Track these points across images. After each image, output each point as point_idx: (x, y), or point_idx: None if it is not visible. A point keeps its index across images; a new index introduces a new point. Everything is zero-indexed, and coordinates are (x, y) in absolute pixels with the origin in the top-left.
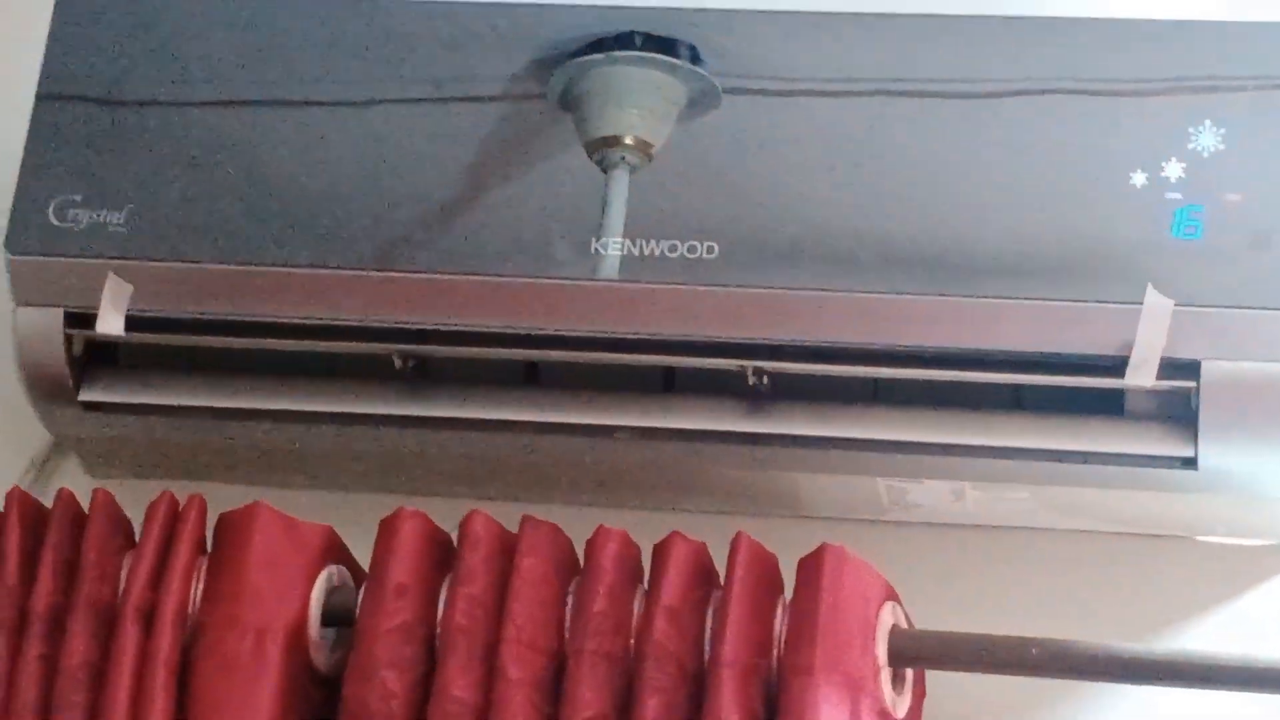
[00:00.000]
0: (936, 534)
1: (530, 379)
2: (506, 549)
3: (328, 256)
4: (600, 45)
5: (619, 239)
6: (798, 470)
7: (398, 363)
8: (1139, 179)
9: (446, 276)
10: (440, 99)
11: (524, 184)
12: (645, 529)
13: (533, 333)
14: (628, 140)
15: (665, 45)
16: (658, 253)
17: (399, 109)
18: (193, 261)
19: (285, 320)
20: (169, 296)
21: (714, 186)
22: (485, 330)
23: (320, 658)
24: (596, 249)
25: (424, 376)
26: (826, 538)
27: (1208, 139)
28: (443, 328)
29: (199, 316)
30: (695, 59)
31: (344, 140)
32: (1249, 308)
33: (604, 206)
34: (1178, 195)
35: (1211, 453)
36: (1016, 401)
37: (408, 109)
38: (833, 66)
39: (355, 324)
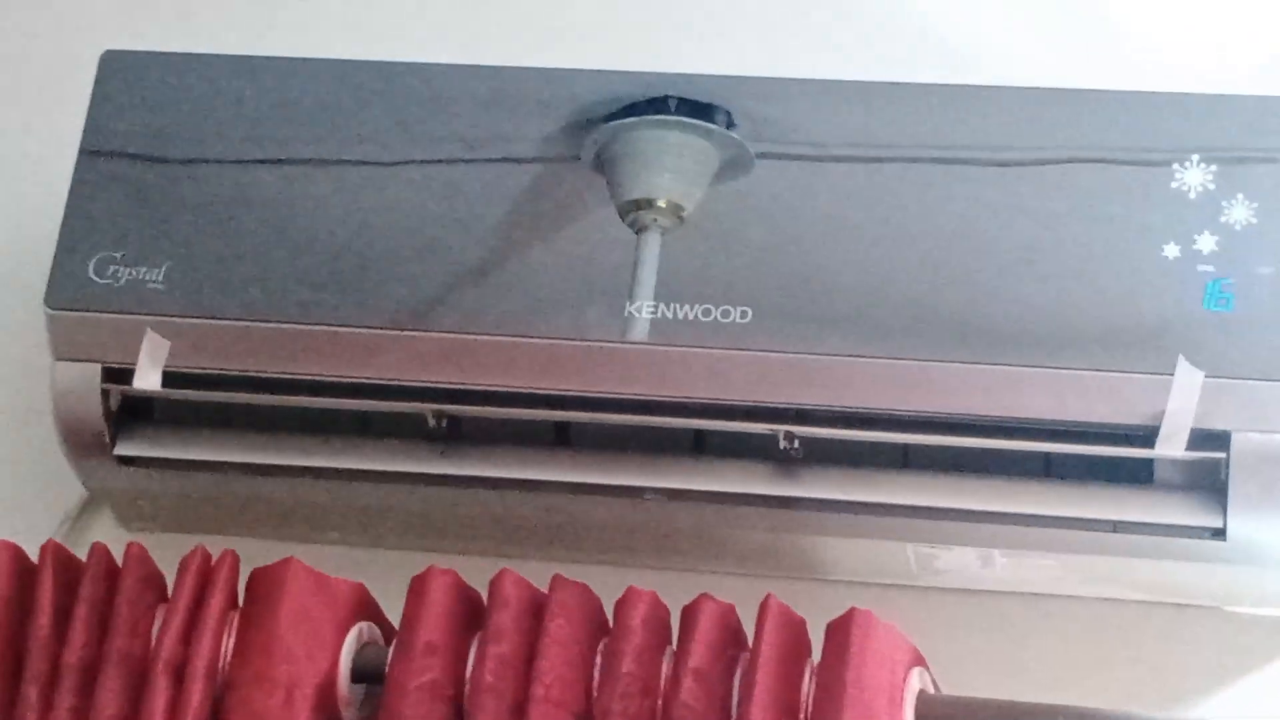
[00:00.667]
0: (965, 600)
1: (561, 439)
2: (536, 608)
3: (363, 316)
4: (634, 109)
5: (651, 302)
6: (827, 534)
7: (431, 421)
8: (1171, 251)
9: (479, 337)
10: (474, 160)
11: (557, 246)
12: (674, 590)
13: (564, 394)
14: (660, 203)
15: (699, 109)
16: (690, 316)
17: (433, 170)
18: (229, 319)
19: (319, 378)
20: (205, 353)
21: (746, 250)
22: (517, 391)
23: (350, 714)
24: (630, 312)
25: (457, 435)
26: (855, 602)
27: (1240, 212)
28: (475, 387)
29: (234, 373)
30: (729, 123)
31: (379, 201)
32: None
33: (635, 268)
34: (1210, 268)
35: (1241, 524)
36: (1046, 469)
37: (442, 170)
38: (866, 134)
39: (389, 383)
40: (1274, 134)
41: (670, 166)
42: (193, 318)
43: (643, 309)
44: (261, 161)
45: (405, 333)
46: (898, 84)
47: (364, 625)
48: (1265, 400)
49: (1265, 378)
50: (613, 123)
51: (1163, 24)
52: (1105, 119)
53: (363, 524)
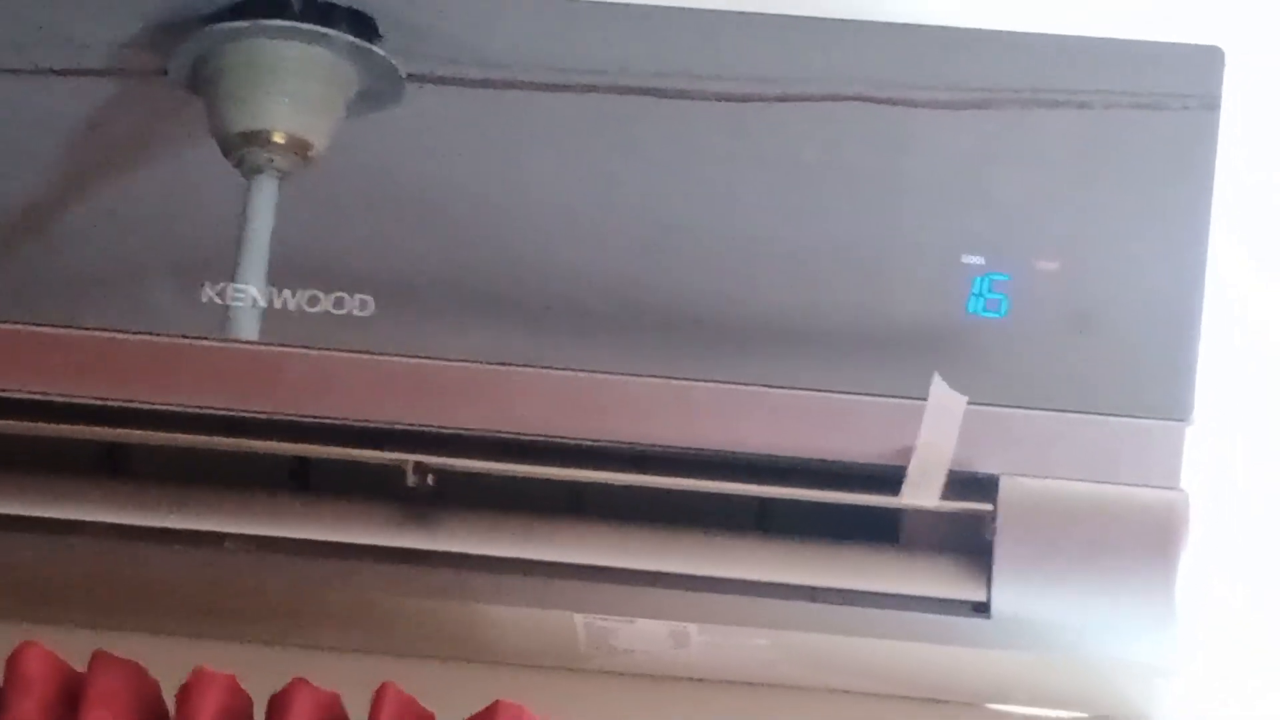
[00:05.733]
0: (651, 688)
1: (114, 465)
2: (70, 695)
3: None
4: (244, 10)
5: (253, 284)
6: (469, 600)
7: None
8: (928, 235)
9: None
10: (13, 71)
11: (128, 195)
12: (262, 670)
13: (117, 404)
14: (277, 137)
15: (331, 12)
16: (292, 305)
17: None
18: None
19: None
20: None
21: (381, 213)
22: (53, 399)
23: None
24: (211, 296)
25: None
26: (508, 689)
27: (1017, 183)
28: None
29: None
30: (372, 34)
31: None
32: (1062, 410)
33: (241, 227)
34: (977, 259)
35: (1009, 597)
36: (760, 520)
37: None
38: (554, 54)
39: None
40: (1071, 76)
41: (292, 89)
42: None
43: (239, 294)
44: None
45: None
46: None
47: None
48: (1044, 436)
49: (1044, 406)
50: (214, 26)
51: None
52: (863, 50)
53: None
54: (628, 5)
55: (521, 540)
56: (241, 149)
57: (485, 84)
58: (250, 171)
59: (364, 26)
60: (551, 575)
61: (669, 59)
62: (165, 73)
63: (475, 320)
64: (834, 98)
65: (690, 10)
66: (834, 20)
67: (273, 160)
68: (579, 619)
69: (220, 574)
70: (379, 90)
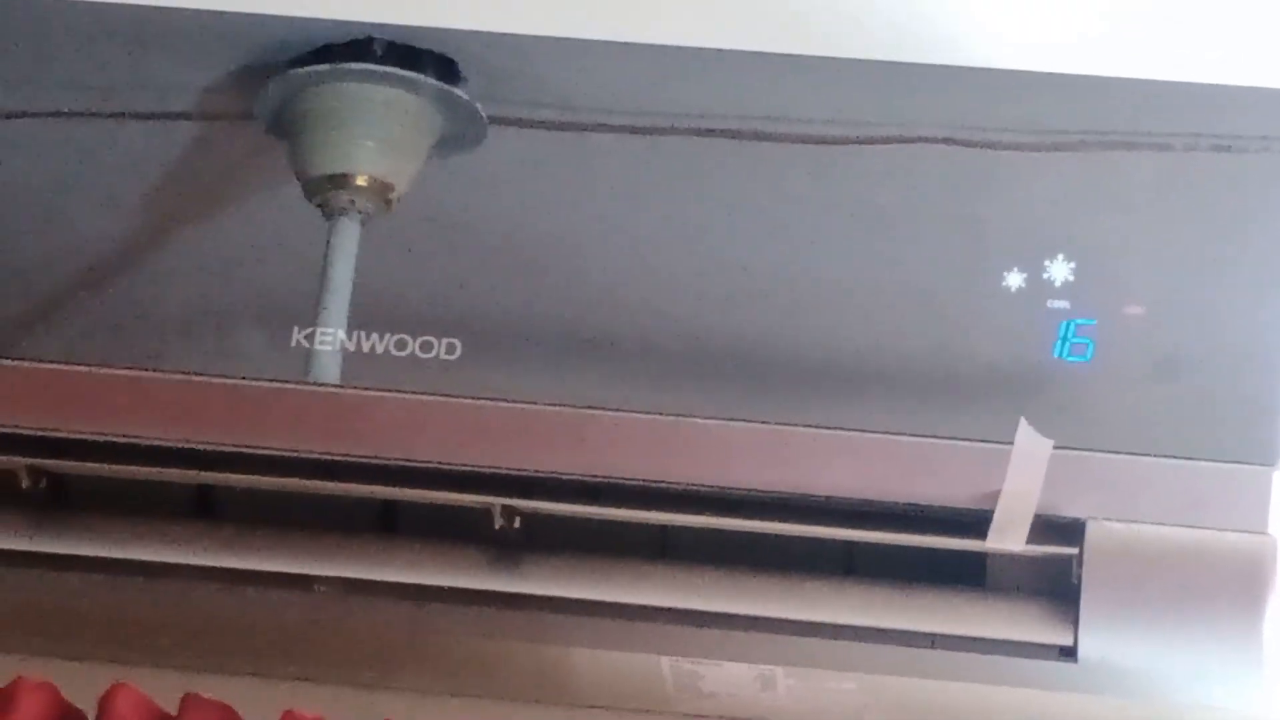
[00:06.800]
0: None
1: (203, 509)
2: None
3: None
4: (328, 54)
5: (330, 329)
6: (555, 643)
7: (24, 481)
8: (1015, 280)
9: (90, 369)
10: (102, 115)
11: (211, 236)
12: (351, 713)
13: (208, 448)
14: (360, 180)
15: (414, 57)
16: (379, 348)
17: (44, 127)
18: None
19: None
20: None
21: (465, 256)
22: (142, 443)
23: None
24: (299, 340)
25: (58, 500)
26: None
27: (1103, 226)
28: (83, 436)
29: None
30: (454, 77)
31: None
32: (1148, 455)
33: (325, 270)
34: (1064, 304)
35: (1096, 641)
36: (847, 564)
37: (57, 127)
38: (638, 99)
39: None
40: (1154, 120)
41: (375, 132)
42: None
43: (325, 338)
44: None
45: None
46: (687, 49)
47: None
48: (1130, 480)
49: (1131, 450)
50: (298, 70)
51: None
52: (947, 95)
53: None
54: (708, 50)
55: (608, 583)
56: (324, 192)
57: (567, 127)
58: (333, 214)
59: (447, 70)
60: (638, 618)
61: (750, 103)
62: (250, 116)
63: (561, 364)
64: (916, 140)
65: (769, 55)
66: (915, 64)
67: (354, 203)
68: (665, 662)
69: (309, 616)
70: (462, 133)
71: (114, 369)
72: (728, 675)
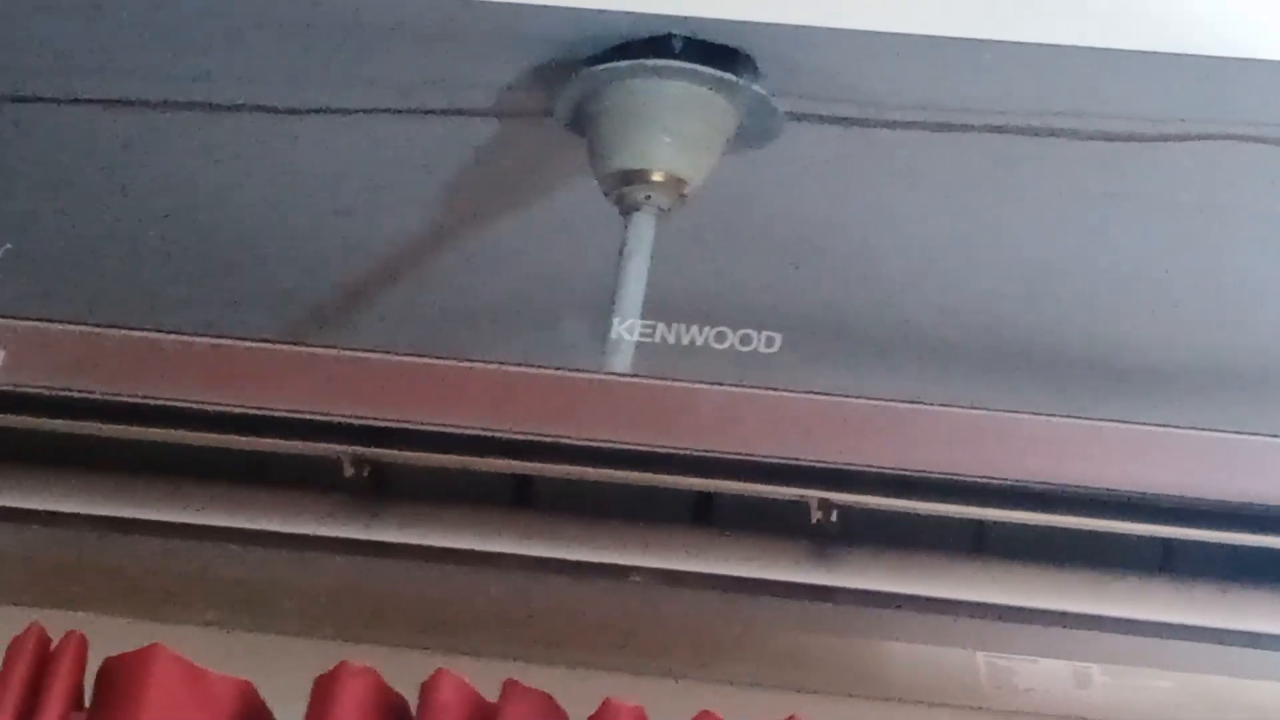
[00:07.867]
0: None
1: (521, 499)
2: None
3: (255, 323)
4: (627, 51)
5: (641, 319)
6: (871, 637)
7: (348, 470)
8: None
9: (412, 359)
10: (408, 112)
11: (518, 232)
12: (667, 703)
13: (525, 438)
14: (656, 176)
15: (712, 53)
16: (697, 341)
17: (352, 124)
18: (74, 323)
19: (195, 405)
20: (44, 367)
21: (771, 250)
22: (463, 432)
23: None
24: (618, 332)
25: (382, 489)
26: None
27: None
28: (407, 426)
29: (80, 394)
30: (752, 73)
31: (277, 164)
32: None
33: (621, 264)
34: None
35: None
36: (1166, 561)
37: (364, 125)
38: (937, 94)
39: (287, 414)
40: None
41: (672, 128)
42: (31, 319)
43: (634, 328)
44: (118, 104)
45: (308, 348)
46: (989, 42)
47: None
48: None
49: None
50: (597, 68)
51: None
52: (1243, 90)
53: (251, 602)
54: (1005, 43)
55: (925, 577)
56: (620, 187)
57: (864, 122)
58: (628, 210)
59: (744, 65)
60: (955, 613)
61: (1047, 98)
62: (550, 114)
63: (878, 358)
64: (1215, 136)
65: (1068, 49)
66: (1214, 58)
67: (650, 198)
68: (981, 657)
69: (626, 607)
70: (758, 128)
71: (437, 359)
72: (1043, 672)
